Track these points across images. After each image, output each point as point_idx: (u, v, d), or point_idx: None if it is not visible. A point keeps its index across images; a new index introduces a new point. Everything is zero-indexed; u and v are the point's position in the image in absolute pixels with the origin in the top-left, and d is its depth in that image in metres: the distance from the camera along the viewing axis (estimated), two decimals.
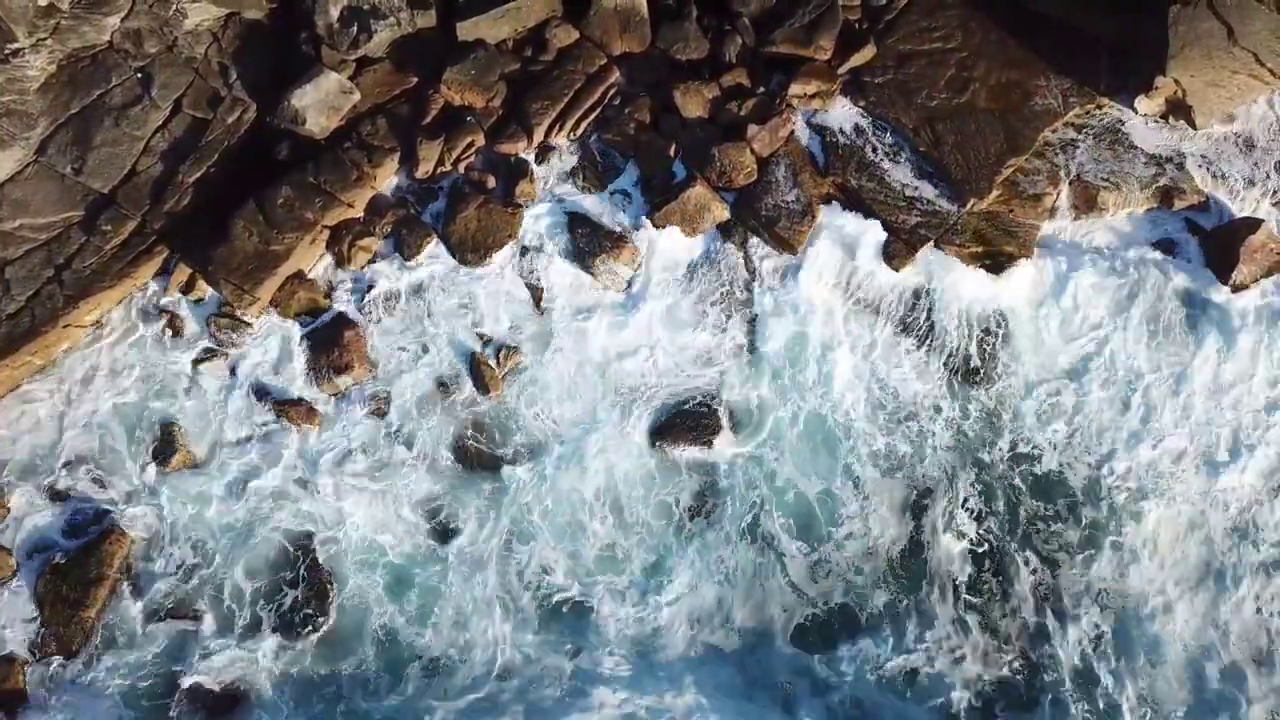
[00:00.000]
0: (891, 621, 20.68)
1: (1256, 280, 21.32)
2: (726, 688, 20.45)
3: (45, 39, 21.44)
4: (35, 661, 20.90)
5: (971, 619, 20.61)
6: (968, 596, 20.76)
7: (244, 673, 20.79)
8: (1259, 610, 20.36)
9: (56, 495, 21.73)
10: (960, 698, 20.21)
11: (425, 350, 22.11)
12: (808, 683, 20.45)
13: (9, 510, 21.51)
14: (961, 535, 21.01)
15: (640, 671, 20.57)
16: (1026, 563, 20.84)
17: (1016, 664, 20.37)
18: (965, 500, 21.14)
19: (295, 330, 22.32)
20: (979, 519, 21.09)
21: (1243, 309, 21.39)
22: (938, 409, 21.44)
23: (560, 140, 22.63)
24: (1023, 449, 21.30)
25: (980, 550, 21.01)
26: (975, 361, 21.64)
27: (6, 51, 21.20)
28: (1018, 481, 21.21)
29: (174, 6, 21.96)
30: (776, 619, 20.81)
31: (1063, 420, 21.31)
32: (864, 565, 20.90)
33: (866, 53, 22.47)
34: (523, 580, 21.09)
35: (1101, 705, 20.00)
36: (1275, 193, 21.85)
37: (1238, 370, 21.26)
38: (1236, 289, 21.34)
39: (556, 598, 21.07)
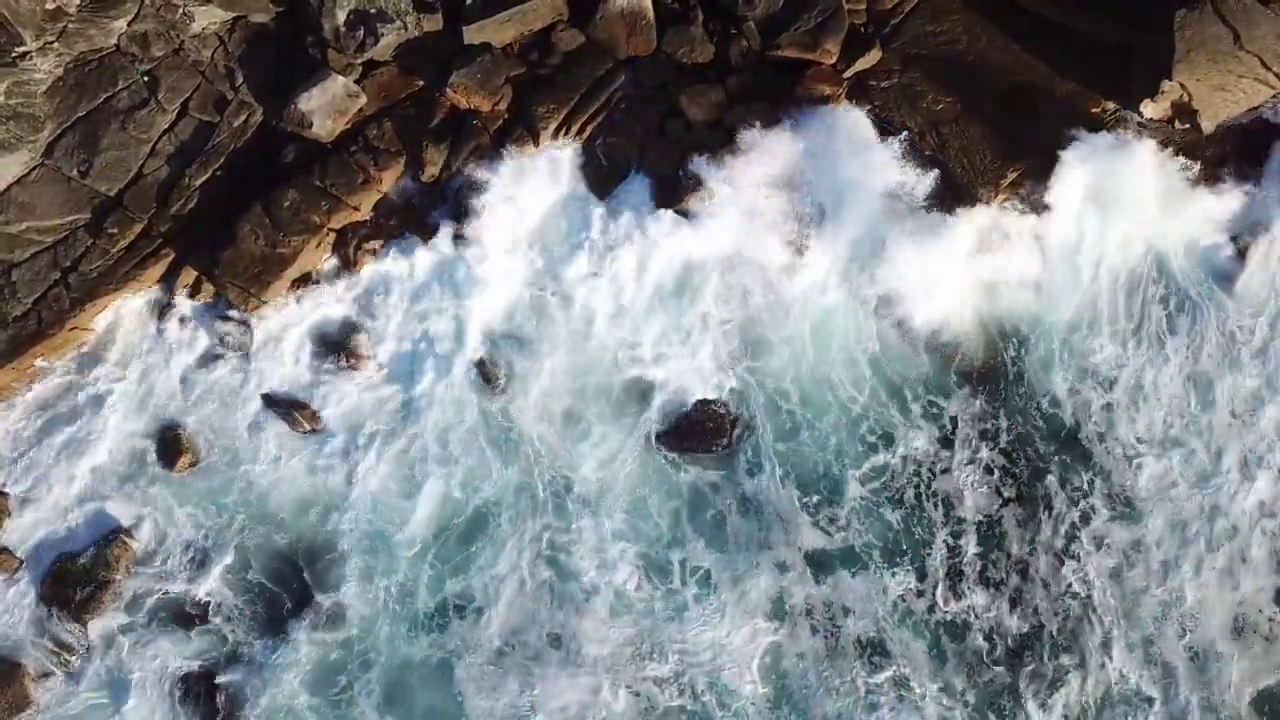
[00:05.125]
0: None
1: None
2: None
3: (52, 42, 21.44)
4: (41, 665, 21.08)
5: None
6: None
7: None
8: None
9: (62, 497, 21.77)
10: None
11: (432, 352, 22.17)
12: None
13: (10, 512, 21.59)
14: None
15: None
16: None
17: None
18: None
19: (300, 333, 22.32)
20: None
21: None
22: None
23: (566, 143, 22.64)
24: None
25: None
26: None
27: (14, 55, 21.18)
28: None
29: (181, 10, 21.95)
30: None
31: None
32: None
33: (872, 56, 22.47)
34: None
35: None
36: None
37: None
38: None
39: None
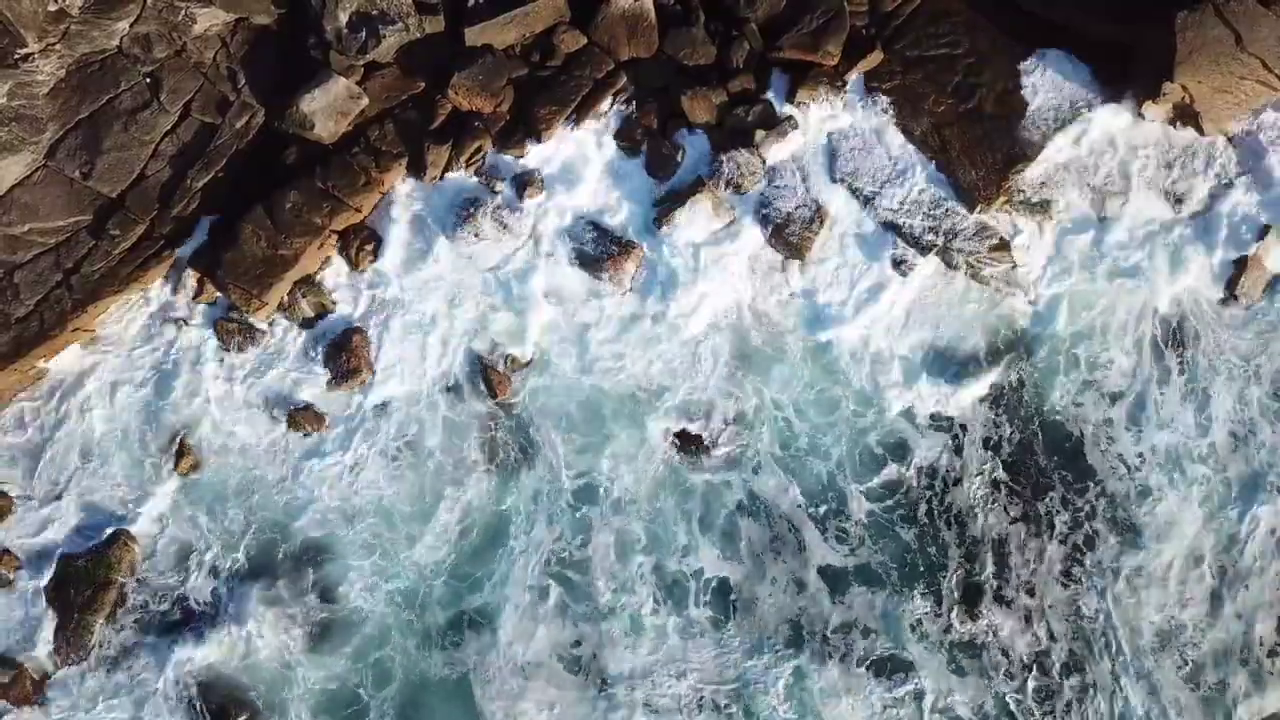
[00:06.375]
0: None
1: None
2: None
3: (55, 44, 21.49)
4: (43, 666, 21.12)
5: None
6: None
7: None
8: None
9: (64, 498, 21.81)
10: None
11: (433, 354, 22.17)
12: None
13: (15, 512, 21.61)
14: None
15: None
16: None
17: None
18: None
19: (302, 335, 22.36)
20: None
21: None
22: None
23: (568, 145, 22.64)
24: None
25: None
26: None
27: (16, 56, 21.24)
28: None
29: (183, 12, 21.99)
30: None
31: None
32: None
33: (874, 58, 22.48)
34: None
35: None
36: None
37: None
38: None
39: None
